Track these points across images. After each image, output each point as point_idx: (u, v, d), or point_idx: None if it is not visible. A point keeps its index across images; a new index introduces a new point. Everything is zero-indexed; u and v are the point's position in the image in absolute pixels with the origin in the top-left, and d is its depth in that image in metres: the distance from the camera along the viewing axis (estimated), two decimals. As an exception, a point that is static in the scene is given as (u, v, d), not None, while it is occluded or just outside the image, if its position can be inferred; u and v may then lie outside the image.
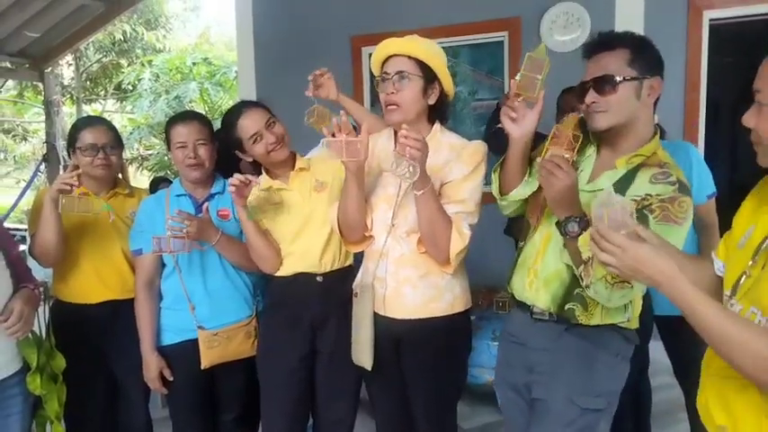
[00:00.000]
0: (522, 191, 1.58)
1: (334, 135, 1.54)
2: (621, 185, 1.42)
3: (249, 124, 1.86)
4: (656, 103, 1.45)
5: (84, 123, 2.17)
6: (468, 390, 2.61)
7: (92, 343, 2.10)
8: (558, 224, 1.40)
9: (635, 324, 1.55)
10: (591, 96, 1.41)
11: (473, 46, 4.17)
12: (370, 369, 1.75)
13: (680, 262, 1.05)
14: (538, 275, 1.55)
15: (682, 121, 3.42)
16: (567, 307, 1.50)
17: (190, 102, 9.13)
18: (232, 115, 1.91)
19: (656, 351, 2.43)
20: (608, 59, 1.39)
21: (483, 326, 2.31)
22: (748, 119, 1.00)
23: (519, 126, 1.47)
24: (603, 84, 1.39)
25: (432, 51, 1.66)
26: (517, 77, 1.41)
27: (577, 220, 1.35)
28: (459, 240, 1.61)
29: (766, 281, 0.98)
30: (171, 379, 2.02)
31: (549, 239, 1.53)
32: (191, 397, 2.06)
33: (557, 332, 1.54)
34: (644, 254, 0.99)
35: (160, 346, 2.03)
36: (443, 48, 4.30)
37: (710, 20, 3.46)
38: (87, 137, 2.06)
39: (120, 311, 2.09)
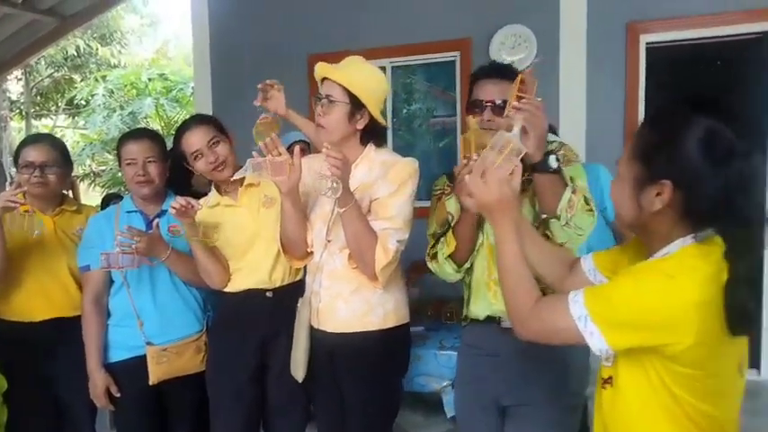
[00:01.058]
0: (480, 255, 1.65)
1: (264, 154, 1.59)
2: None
3: (192, 141, 1.88)
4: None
5: (27, 141, 2.15)
6: (418, 399, 2.66)
7: (35, 362, 2.06)
8: (536, 165, 1.44)
9: None
10: (488, 114, 1.57)
11: (428, 65, 4.30)
12: (300, 380, 1.79)
13: (537, 237, 1.30)
14: (498, 282, 1.59)
15: (622, 135, 3.61)
16: None
17: (145, 117, 9.00)
18: (180, 129, 1.94)
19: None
20: (501, 87, 1.55)
21: (431, 336, 2.37)
22: (611, 182, 1.17)
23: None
24: (499, 107, 1.54)
25: (362, 81, 1.68)
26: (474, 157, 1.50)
27: (555, 154, 1.46)
28: (383, 256, 1.63)
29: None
30: (118, 395, 2.00)
31: (494, 248, 1.58)
32: (138, 414, 2.03)
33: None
34: (501, 178, 1.13)
35: (107, 364, 2.01)
36: (399, 66, 4.44)
37: (647, 43, 3.67)
38: (27, 154, 2.05)
39: (66, 329, 2.06)
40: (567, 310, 1.05)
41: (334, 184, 1.51)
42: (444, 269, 1.67)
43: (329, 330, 1.75)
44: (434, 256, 1.67)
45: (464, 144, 1.53)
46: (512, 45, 3.85)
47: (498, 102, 1.54)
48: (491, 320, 1.64)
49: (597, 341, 1.02)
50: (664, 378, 1.03)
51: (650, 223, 1.07)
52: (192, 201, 1.78)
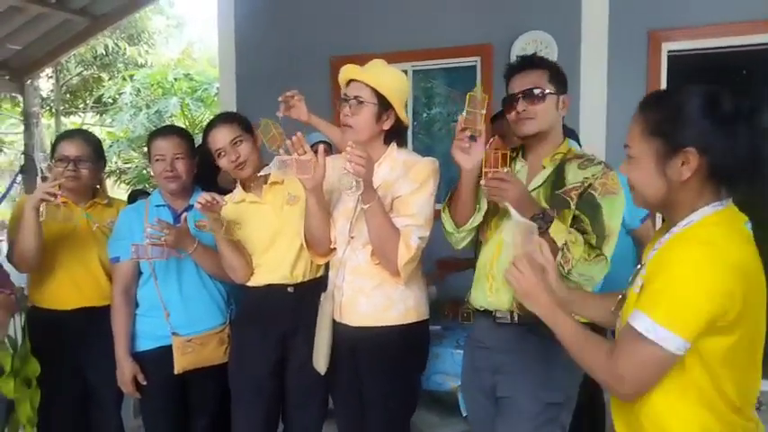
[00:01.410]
0: (478, 217, 1.72)
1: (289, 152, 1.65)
2: (557, 180, 1.64)
3: (216, 138, 1.95)
4: (563, 118, 1.73)
5: (63, 135, 2.26)
6: (435, 398, 2.70)
7: (66, 349, 2.15)
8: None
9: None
10: (521, 105, 1.64)
11: (448, 69, 4.34)
12: (323, 373, 1.84)
13: (583, 297, 1.33)
14: (496, 278, 1.68)
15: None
16: None
17: (170, 116, 9.17)
18: (208, 126, 2.01)
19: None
20: (533, 76, 1.65)
21: (448, 335, 2.41)
22: (623, 169, 1.18)
23: (470, 157, 1.61)
24: (532, 94, 1.63)
25: (389, 82, 1.76)
26: (463, 114, 1.58)
27: (541, 216, 1.52)
28: (406, 252, 1.68)
29: (630, 298, 1.16)
30: (144, 383, 2.07)
31: (502, 244, 1.67)
32: (163, 402, 2.11)
33: (519, 334, 1.66)
34: (535, 286, 1.21)
35: (134, 353, 2.08)
36: (419, 71, 4.49)
37: (669, 51, 3.67)
38: (62, 149, 2.15)
39: (96, 318, 2.14)
40: (635, 331, 1.03)
41: (355, 183, 1.56)
42: (444, 223, 1.77)
43: (351, 324, 1.80)
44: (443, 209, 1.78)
45: (470, 100, 1.59)
46: (533, 51, 3.86)
47: (528, 89, 1.62)
48: (488, 314, 1.72)
49: (673, 342, 1.00)
50: (703, 355, 1.03)
51: (678, 195, 1.10)
52: (217, 197, 1.84)
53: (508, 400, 1.68)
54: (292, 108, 2.08)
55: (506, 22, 3.91)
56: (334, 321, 1.83)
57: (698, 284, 0.99)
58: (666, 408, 1.09)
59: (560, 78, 1.68)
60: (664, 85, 3.65)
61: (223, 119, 2.01)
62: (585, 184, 1.58)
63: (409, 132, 4.45)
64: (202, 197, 1.81)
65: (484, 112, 1.58)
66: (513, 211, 1.32)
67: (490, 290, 1.70)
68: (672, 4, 3.59)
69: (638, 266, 1.21)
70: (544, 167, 1.69)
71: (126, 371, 2.05)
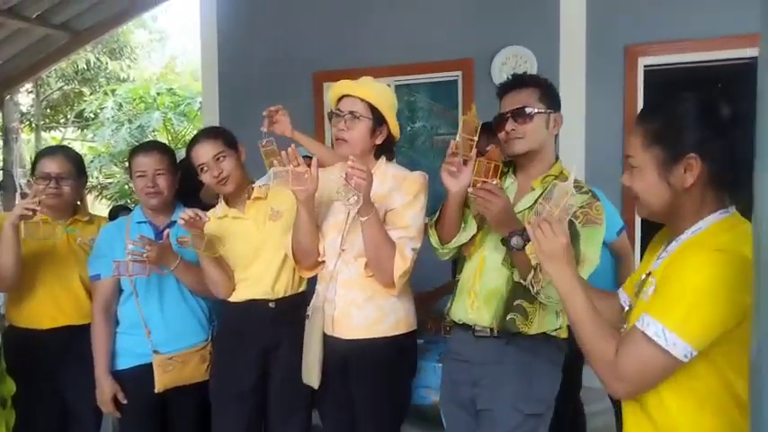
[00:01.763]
0: (463, 236, 1.74)
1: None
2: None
3: (199, 154, 1.95)
4: (557, 137, 1.74)
5: (44, 152, 2.24)
6: (418, 412, 2.69)
7: (44, 368, 2.11)
8: (503, 241, 1.53)
9: (565, 333, 1.71)
10: (510, 125, 1.64)
11: (431, 83, 4.39)
12: (316, 387, 1.83)
13: (587, 291, 1.24)
14: (478, 295, 1.69)
15: (621, 156, 3.67)
16: (508, 317, 1.65)
17: (153, 131, 9.12)
18: (192, 141, 2.02)
19: (594, 378, 2.56)
20: (522, 95, 1.65)
21: (431, 348, 2.41)
22: (626, 180, 1.19)
23: (458, 181, 1.63)
24: (521, 114, 1.63)
25: (382, 97, 1.80)
26: (457, 138, 1.61)
27: (520, 233, 1.50)
28: (402, 263, 1.72)
29: (638, 306, 1.17)
30: (124, 402, 2.05)
31: (485, 262, 1.70)
32: (143, 421, 2.08)
33: (498, 347, 1.68)
34: (563, 248, 1.17)
35: (114, 371, 2.06)
36: (402, 85, 4.53)
37: (645, 65, 3.76)
38: (44, 166, 2.13)
39: (75, 337, 2.11)
40: (644, 334, 1.04)
41: (356, 197, 1.58)
42: (431, 239, 1.79)
43: (343, 337, 1.81)
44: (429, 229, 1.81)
45: (463, 126, 1.60)
46: (513, 65, 3.93)
47: (517, 109, 1.63)
48: (467, 328, 1.72)
49: (682, 349, 1.01)
50: (717, 363, 1.03)
51: (682, 203, 1.11)
52: (200, 213, 1.84)
53: (488, 412, 1.68)
54: (276, 123, 2.09)
55: (487, 37, 3.98)
56: (324, 335, 1.83)
57: (712, 293, 0.99)
58: (683, 418, 1.08)
59: (552, 96, 1.69)
60: (641, 99, 3.74)
61: (207, 134, 2.01)
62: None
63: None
64: (185, 213, 1.81)
65: (476, 138, 1.61)
66: (571, 178, 1.25)
67: (471, 307, 1.71)
68: (647, 20, 3.68)
69: (644, 276, 1.19)
70: (533, 189, 1.70)
71: (106, 389, 2.03)
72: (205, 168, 1.95)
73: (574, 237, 1.54)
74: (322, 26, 4.42)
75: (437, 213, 1.78)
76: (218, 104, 4.72)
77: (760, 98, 0.62)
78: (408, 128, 4.61)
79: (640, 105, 3.73)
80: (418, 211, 1.79)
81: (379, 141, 1.82)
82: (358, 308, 1.80)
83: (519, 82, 1.69)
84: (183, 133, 9.16)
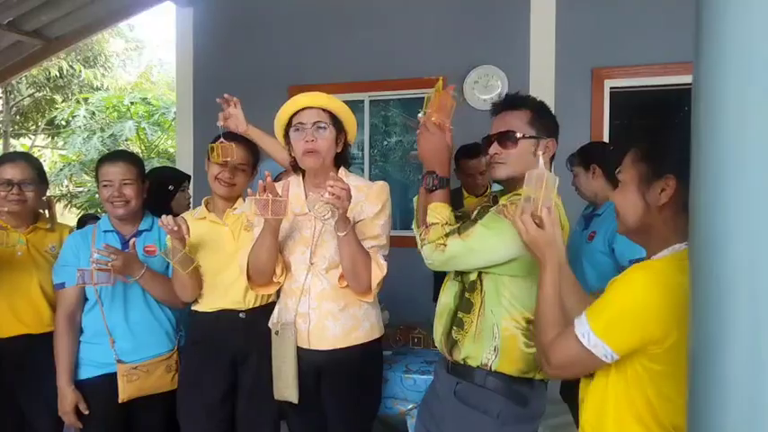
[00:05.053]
0: None
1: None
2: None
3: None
4: (551, 160, 1.63)
5: (5, 159, 2.21)
6: (384, 421, 2.71)
7: (1, 378, 2.07)
8: (420, 179, 1.56)
9: (512, 367, 1.54)
10: (494, 148, 1.57)
11: (405, 100, 4.47)
12: (296, 402, 1.82)
13: (574, 282, 1.36)
14: (436, 314, 1.73)
15: (587, 175, 3.78)
16: (452, 332, 1.62)
17: (126, 140, 9.02)
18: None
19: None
20: (511, 118, 1.56)
21: (398, 360, 2.43)
22: (611, 195, 1.26)
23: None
24: (506, 138, 1.54)
25: (340, 105, 1.85)
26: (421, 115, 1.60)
27: (437, 176, 1.53)
28: (379, 272, 1.77)
29: None
30: (86, 413, 2.01)
31: (445, 282, 1.72)
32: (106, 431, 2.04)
33: (450, 386, 1.63)
34: (550, 237, 1.26)
35: (77, 381, 2.02)
36: (377, 100, 4.58)
37: (611, 87, 3.90)
38: (5, 172, 2.10)
39: (34, 346, 2.08)
40: (575, 332, 1.15)
41: (338, 212, 1.60)
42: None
43: (320, 349, 1.81)
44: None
45: (426, 102, 1.57)
46: (484, 84, 4.04)
47: (502, 132, 1.56)
48: (440, 355, 1.72)
49: (603, 350, 1.11)
50: (642, 377, 1.12)
51: (654, 223, 1.16)
52: (182, 223, 1.84)
53: None
54: (230, 118, 2.07)
55: (460, 56, 4.08)
56: (298, 348, 1.82)
57: (635, 308, 1.08)
58: (614, 416, 1.17)
59: (545, 121, 1.58)
60: (606, 118, 3.87)
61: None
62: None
63: (366, 159, 4.53)
64: (167, 220, 1.80)
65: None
66: (540, 161, 1.30)
67: (435, 329, 1.72)
68: (613, 44, 3.83)
69: None
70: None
71: (68, 399, 1.99)
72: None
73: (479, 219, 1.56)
74: (298, 41, 4.47)
75: (446, 221, 1.60)
76: (192, 115, 4.72)
77: (694, 127, 0.67)
78: (384, 142, 4.68)
79: (606, 124, 3.86)
80: (387, 219, 1.84)
81: (339, 149, 1.86)
82: (334, 319, 1.81)
83: (510, 103, 1.58)
84: (156, 143, 9.07)
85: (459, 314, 1.62)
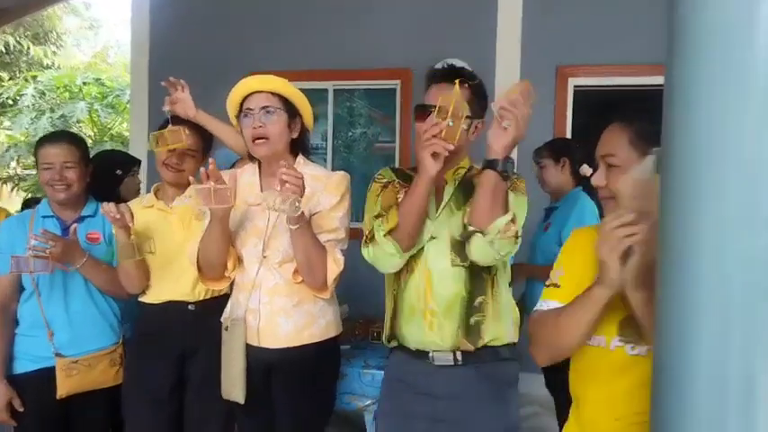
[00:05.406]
0: (428, 237, 1.53)
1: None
2: (463, 194, 1.54)
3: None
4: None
5: None
6: (343, 417, 2.66)
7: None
8: (491, 166, 1.39)
9: (517, 334, 1.61)
10: (431, 120, 1.41)
11: (370, 90, 4.40)
12: (242, 402, 1.73)
13: None
14: (436, 312, 1.52)
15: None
16: (473, 321, 1.51)
17: (78, 122, 8.64)
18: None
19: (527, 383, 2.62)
20: (449, 92, 1.42)
21: (356, 354, 2.38)
22: (599, 179, 1.18)
23: (439, 161, 1.43)
24: (446, 113, 1.40)
25: (292, 89, 1.75)
26: (448, 123, 1.39)
27: (513, 161, 1.41)
28: (335, 267, 1.68)
29: None
30: (21, 410, 1.90)
31: (432, 275, 1.53)
32: (43, 430, 1.93)
33: (464, 378, 1.52)
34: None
35: (11, 375, 1.90)
36: (342, 90, 4.50)
37: (575, 86, 3.94)
38: None
39: None
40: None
41: (296, 204, 1.50)
42: (384, 249, 1.50)
43: (270, 347, 1.71)
44: (372, 238, 1.53)
45: (444, 110, 1.39)
46: (450, 78, 4.01)
47: (442, 106, 1.41)
48: (422, 355, 1.55)
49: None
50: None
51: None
52: (125, 210, 1.73)
53: None
54: (177, 103, 1.96)
55: (425, 49, 4.02)
56: (248, 345, 1.73)
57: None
58: None
59: (481, 102, 1.54)
60: (570, 116, 3.90)
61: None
62: None
63: (329, 149, 4.45)
64: (108, 207, 1.69)
65: (464, 126, 1.44)
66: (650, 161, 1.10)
67: (430, 327, 1.52)
68: (578, 43, 3.86)
69: None
70: (446, 183, 1.58)
71: (0, 395, 1.86)
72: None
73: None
74: (260, 26, 4.34)
75: (389, 216, 1.52)
76: (147, 98, 4.53)
77: (665, 129, 0.64)
78: (349, 133, 4.60)
79: (569, 122, 3.90)
80: (345, 212, 1.75)
81: (294, 135, 1.76)
82: (286, 315, 1.72)
83: (452, 76, 1.47)
84: (110, 126, 8.73)
85: (478, 299, 1.52)
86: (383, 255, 1.51)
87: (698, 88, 0.59)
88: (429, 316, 1.53)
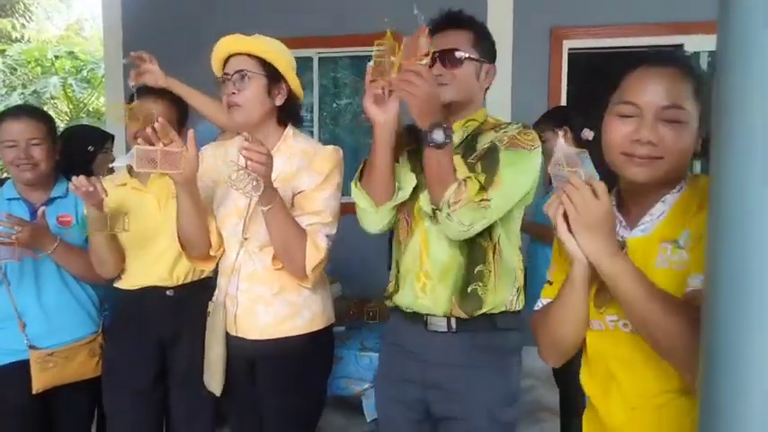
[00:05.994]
0: (402, 193, 1.44)
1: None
2: (467, 149, 1.43)
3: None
4: (486, 91, 1.51)
5: None
6: (340, 400, 2.58)
7: None
8: (423, 134, 1.31)
9: (523, 300, 1.51)
10: (437, 69, 1.39)
11: (356, 58, 4.22)
12: (218, 394, 1.63)
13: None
14: (430, 275, 1.45)
15: (544, 139, 3.73)
16: (470, 289, 1.43)
17: (51, 98, 8.33)
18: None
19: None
20: (456, 37, 1.42)
21: (352, 336, 2.28)
22: (648, 134, 0.98)
23: (385, 108, 1.33)
24: (450, 58, 1.40)
25: (275, 50, 1.57)
26: (370, 63, 1.33)
27: (443, 127, 1.28)
28: (315, 253, 1.51)
29: (665, 274, 1.04)
30: (-4, 406, 1.78)
31: (429, 235, 1.45)
32: (19, 428, 1.82)
33: (459, 345, 1.45)
34: (607, 213, 0.96)
35: (-18, 370, 1.78)
36: (327, 58, 4.32)
37: (569, 48, 3.80)
38: None
39: None
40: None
41: (255, 182, 1.35)
42: (358, 200, 1.46)
43: (249, 338, 1.59)
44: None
45: (377, 47, 1.32)
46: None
47: (446, 51, 1.39)
48: (417, 318, 1.47)
49: None
50: None
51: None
52: (96, 183, 1.57)
53: (457, 423, 1.44)
54: (145, 74, 1.83)
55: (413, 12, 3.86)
56: (227, 335, 1.61)
57: None
58: None
59: (487, 45, 1.46)
60: (565, 81, 3.78)
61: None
62: (495, 139, 1.38)
63: (316, 121, 4.28)
64: (79, 180, 1.54)
65: (394, 59, 1.31)
66: (560, 140, 1.03)
67: (423, 290, 1.45)
68: (573, 4, 3.72)
69: (667, 245, 1.00)
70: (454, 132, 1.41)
71: (-29, 392, 1.74)
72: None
73: (494, 154, 1.35)
74: (238, -10, 4.12)
75: (360, 168, 1.48)
76: (122, 69, 4.32)
77: (717, 100, 0.52)
78: (334, 104, 4.43)
79: (564, 86, 3.78)
80: (332, 192, 1.57)
81: (279, 103, 1.58)
82: (265, 304, 1.58)
83: (453, 21, 1.44)
84: (85, 101, 8.42)
85: (478, 267, 1.42)
86: (360, 211, 1.49)
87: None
88: (423, 278, 1.46)
